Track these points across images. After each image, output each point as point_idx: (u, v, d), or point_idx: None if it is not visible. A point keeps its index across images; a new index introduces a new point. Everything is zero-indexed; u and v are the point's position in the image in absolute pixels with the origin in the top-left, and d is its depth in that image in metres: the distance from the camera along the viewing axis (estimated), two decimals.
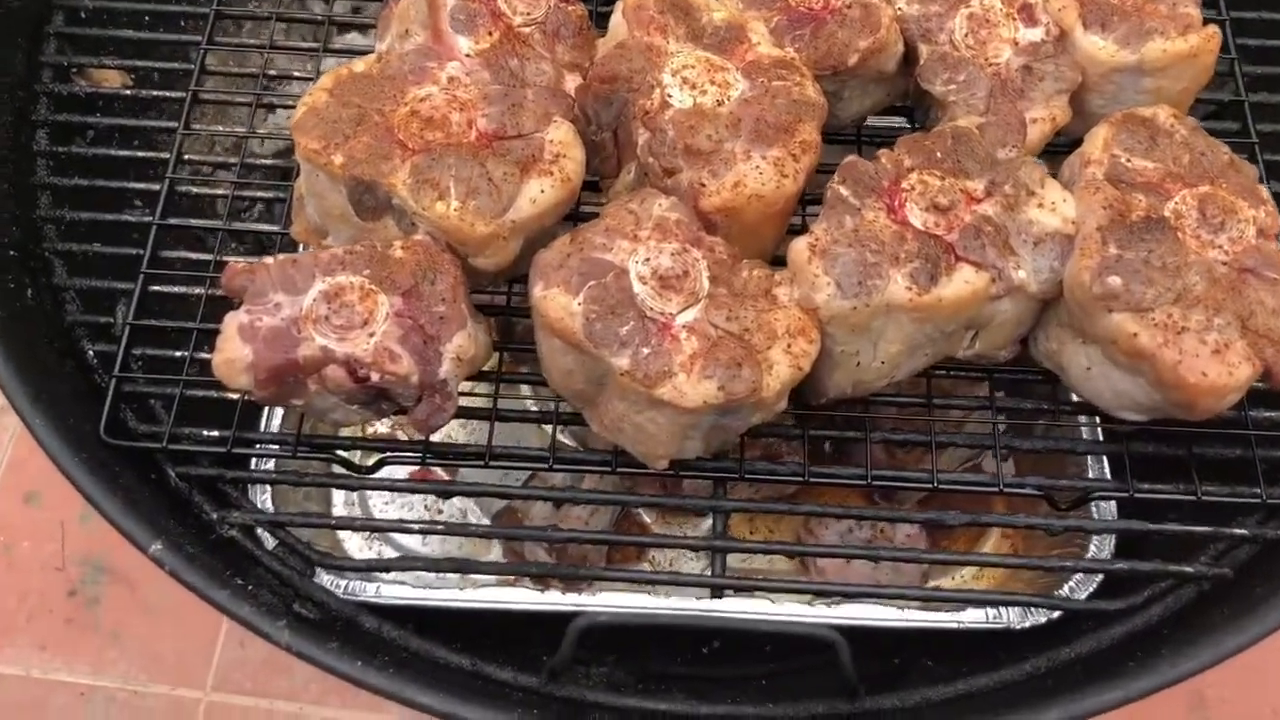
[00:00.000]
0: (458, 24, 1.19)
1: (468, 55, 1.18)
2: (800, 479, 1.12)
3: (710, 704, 0.98)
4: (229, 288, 1.07)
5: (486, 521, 1.34)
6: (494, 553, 1.43)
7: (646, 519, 1.43)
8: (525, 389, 1.39)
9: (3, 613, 2.16)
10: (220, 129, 1.32)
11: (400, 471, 1.26)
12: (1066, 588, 1.24)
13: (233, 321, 1.04)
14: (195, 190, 1.27)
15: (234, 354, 1.03)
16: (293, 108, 1.13)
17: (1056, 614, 1.21)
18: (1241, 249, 1.05)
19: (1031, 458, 1.30)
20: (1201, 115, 1.39)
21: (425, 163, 1.08)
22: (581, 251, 1.05)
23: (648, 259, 1.04)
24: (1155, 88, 1.20)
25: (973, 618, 1.26)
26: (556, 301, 1.03)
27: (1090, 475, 1.25)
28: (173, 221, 1.24)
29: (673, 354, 1.02)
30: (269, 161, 1.54)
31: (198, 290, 1.21)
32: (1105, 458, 1.24)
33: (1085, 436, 1.24)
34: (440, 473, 1.42)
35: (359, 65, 1.16)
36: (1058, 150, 1.28)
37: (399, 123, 1.10)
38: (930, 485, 1.11)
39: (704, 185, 1.09)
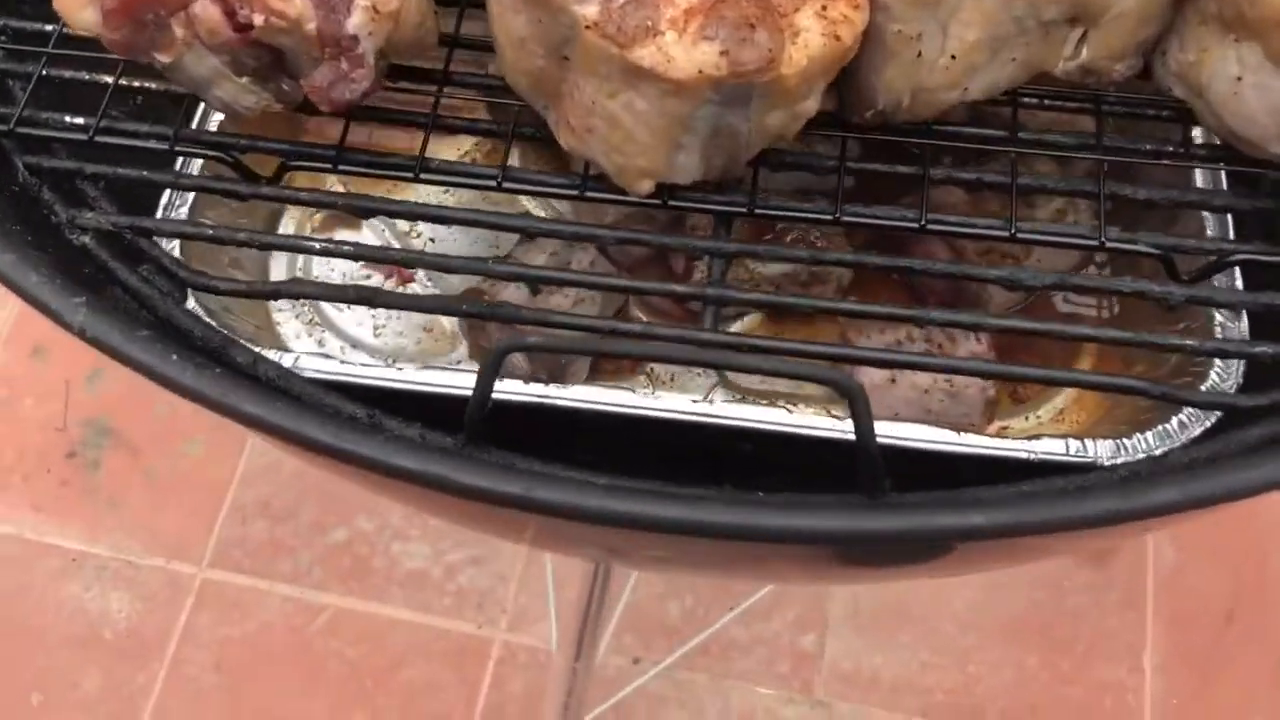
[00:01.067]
0: None
1: None
2: (831, 217, 0.83)
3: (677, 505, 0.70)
4: None
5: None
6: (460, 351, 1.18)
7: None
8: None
9: None
10: None
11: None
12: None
13: None
14: None
15: None
16: None
17: (1160, 450, 0.92)
18: None
19: (1142, 217, 0.99)
20: None
21: None
22: None
23: None
24: None
25: (1048, 448, 0.96)
26: None
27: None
28: None
29: (661, 4, 0.74)
30: None
31: None
32: (1234, 218, 0.92)
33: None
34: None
35: None
36: None
37: None
38: (1008, 233, 0.81)
39: None
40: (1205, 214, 0.94)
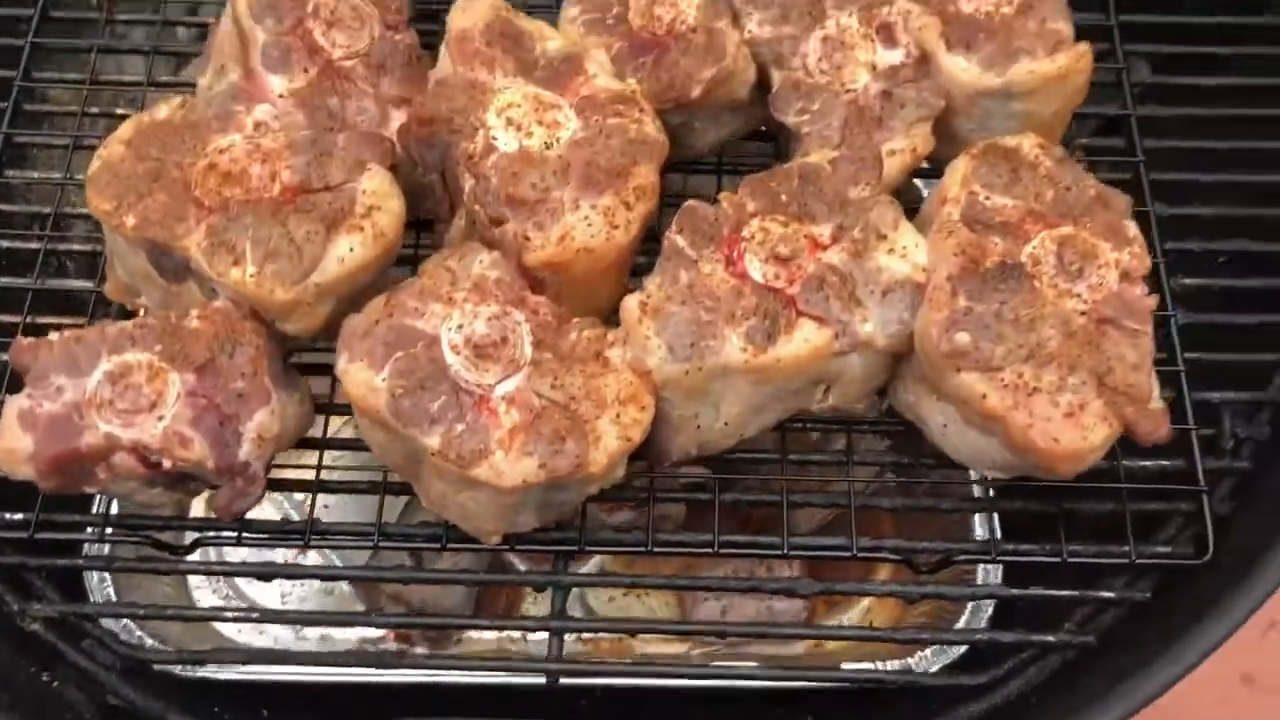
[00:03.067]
0: (270, 61, 1.10)
1: (281, 96, 1.09)
2: (644, 549, 1.05)
3: None
4: (16, 364, 0.99)
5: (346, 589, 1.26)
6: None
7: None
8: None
9: None
10: (35, 174, 1.23)
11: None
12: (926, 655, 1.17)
13: (13, 407, 0.96)
14: (5, 244, 1.18)
15: (14, 444, 0.95)
16: None
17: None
18: (1101, 297, 0.98)
19: (902, 515, 1.23)
20: (1089, 131, 1.31)
21: (221, 224, 0.99)
22: (391, 318, 0.97)
23: (461, 325, 0.96)
24: (1025, 111, 1.12)
25: (850, 672, 1.19)
26: (359, 377, 0.95)
27: (979, 534, 1.18)
28: None
29: (490, 429, 0.94)
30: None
31: (2, 357, 1.12)
32: (996, 515, 1.16)
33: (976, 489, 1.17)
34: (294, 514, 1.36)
35: (162, 110, 1.07)
36: (928, 175, 1.21)
37: (196, 178, 1.01)
38: (780, 552, 1.04)
39: (528, 239, 1.01)
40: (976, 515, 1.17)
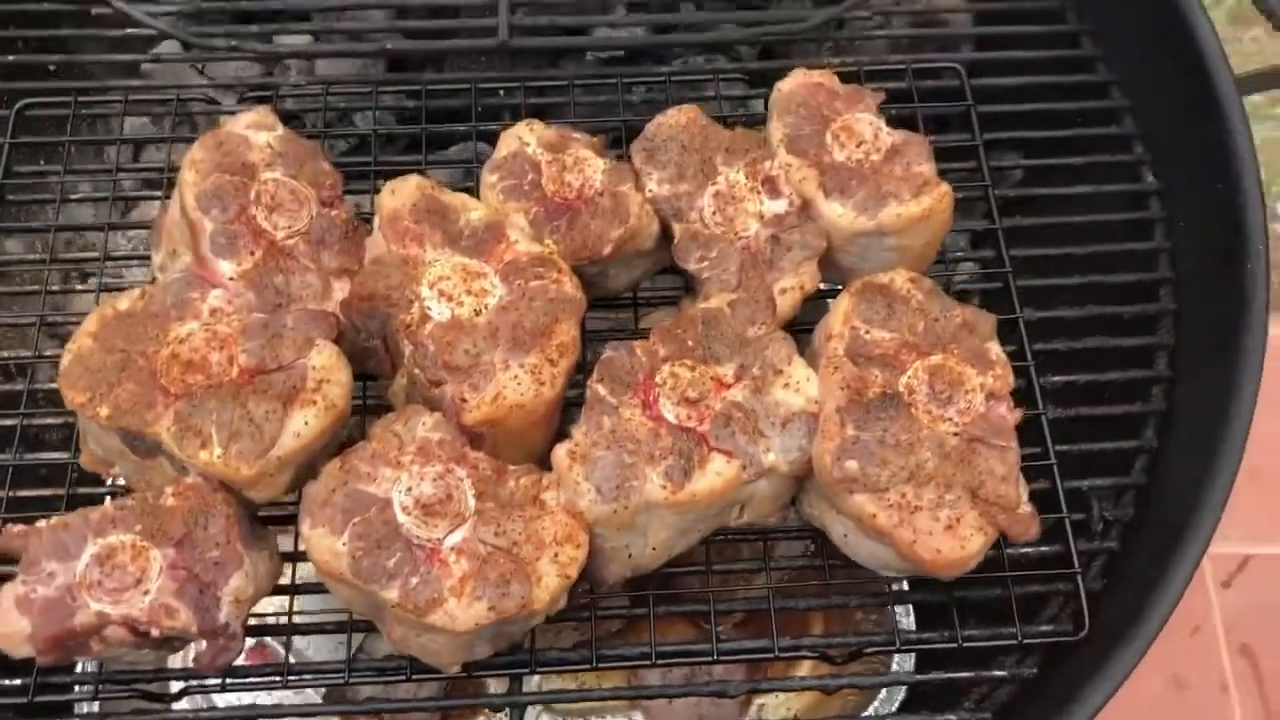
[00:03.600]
0: (219, 248, 1.21)
1: (231, 279, 1.20)
2: (589, 665, 1.17)
3: None
4: (7, 551, 1.09)
5: None
6: None
7: None
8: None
9: None
10: (4, 354, 1.34)
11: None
12: None
13: (9, 594, 1.06)
14: None
15: (12, 628, 1.05)
16: (75, 324, 1.16)
17: None
18: (970, 419, 1.12)
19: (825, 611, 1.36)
20: (964, 243, 1.46)
21: (187, 409, 1.10)
22: (346, 485, 1.09)
23: (410, 488, 1.08)
24: (899, 245, 1.26)
25: None
26: (322, 544, 1.06)
27: (902, 623, 1.32)
28: None
29: (442, 579, 1.06)
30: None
31: None
32: (911, 606, 1.30)
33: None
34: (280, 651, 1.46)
35: (123, 302, 1.18)
36: (826, 295, 1.35)
37: (161, 367, 1.13)
38: (710, 658, 1.17)
39: (465, 400, 1.13)
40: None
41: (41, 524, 1.09)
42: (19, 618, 1.05)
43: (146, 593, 1.06)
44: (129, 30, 1.51)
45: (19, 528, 1.09)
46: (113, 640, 1.07)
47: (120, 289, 1.41)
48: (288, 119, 1.34)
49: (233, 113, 1.53)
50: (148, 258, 1.35)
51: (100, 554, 1.07)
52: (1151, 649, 1.14)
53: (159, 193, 1.42)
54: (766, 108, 1.35)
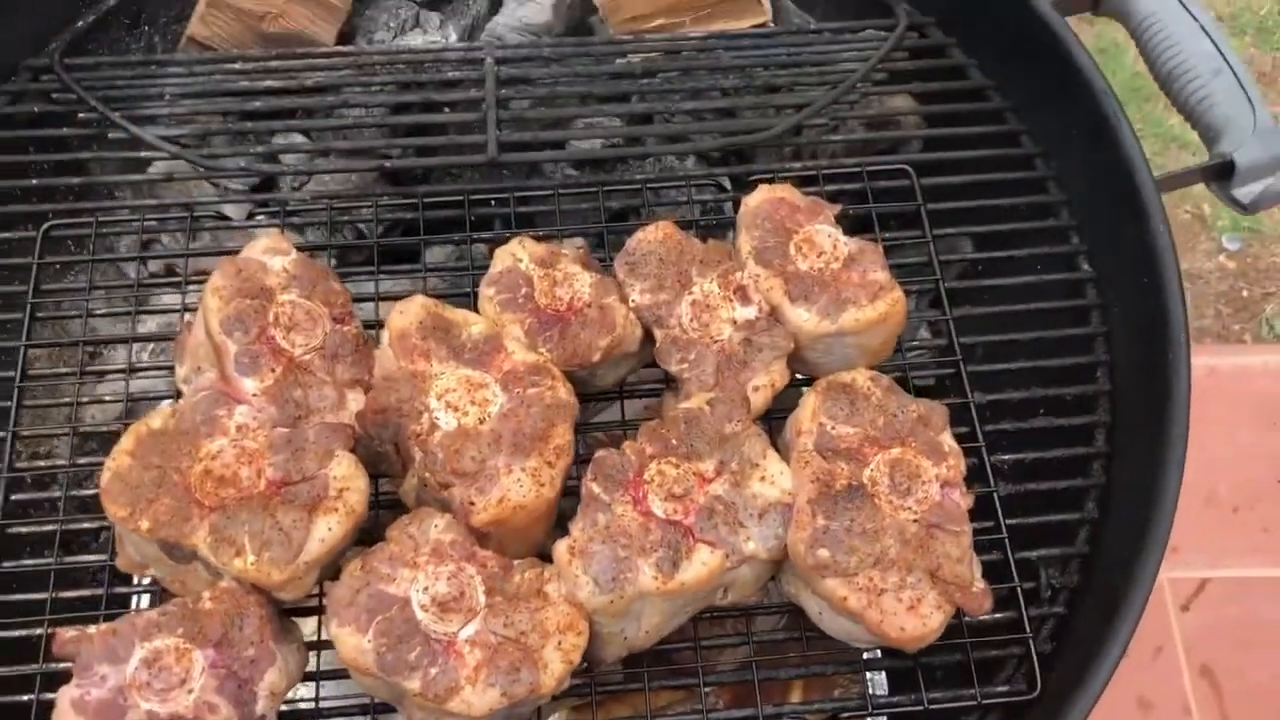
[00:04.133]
0: (243, 367, 1.33)
1: (254, 395, 1.32)
2: None
3: None
4: (60, 654, 1.20)
5: None
6: None
7: None
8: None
9: None
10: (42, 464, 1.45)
11: None
12: None
13: (65, 696, 1.17)
14: (25, 529, 1.39)
15: None
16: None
17: None
18: (927, 508, 1.25)
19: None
20: (919, 330, 1.60)
21: (221, 521, 1.22)
22: (368, 585, 1.21)
23: (426, 588, 1.20)
24: (859, 343, 1.39)
25: None
26: (349, 642, 1.18)
27: (872, 689, 1.45)
28: (7, 566, 1.36)
29: (458, 669, 1.18)
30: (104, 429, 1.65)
31: (37, 631, 1.33)
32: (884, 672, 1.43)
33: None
34: None
35: (156, 421, 1.29)
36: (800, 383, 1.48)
37: (195, 482, 1.24)
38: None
39: (473, 504, 1.25)
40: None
41: (92, 629, 1.20)
42: (76, 718, 1.16)
43: (190, 691, 1.17)
44: (143, 153, 1.63)
45: (71, 633, 1.20)
46: None
47: (145, 397, 1.54)
48: (293, 227, 1.46)
49: (243, 227, 1.67)
50: (169, 368, 1.47)
51: (148, 657, 1.18)
52: (1117, 672, 1.27)
53: (176, 303, 1.54)
54: (735, 209, 1.49)
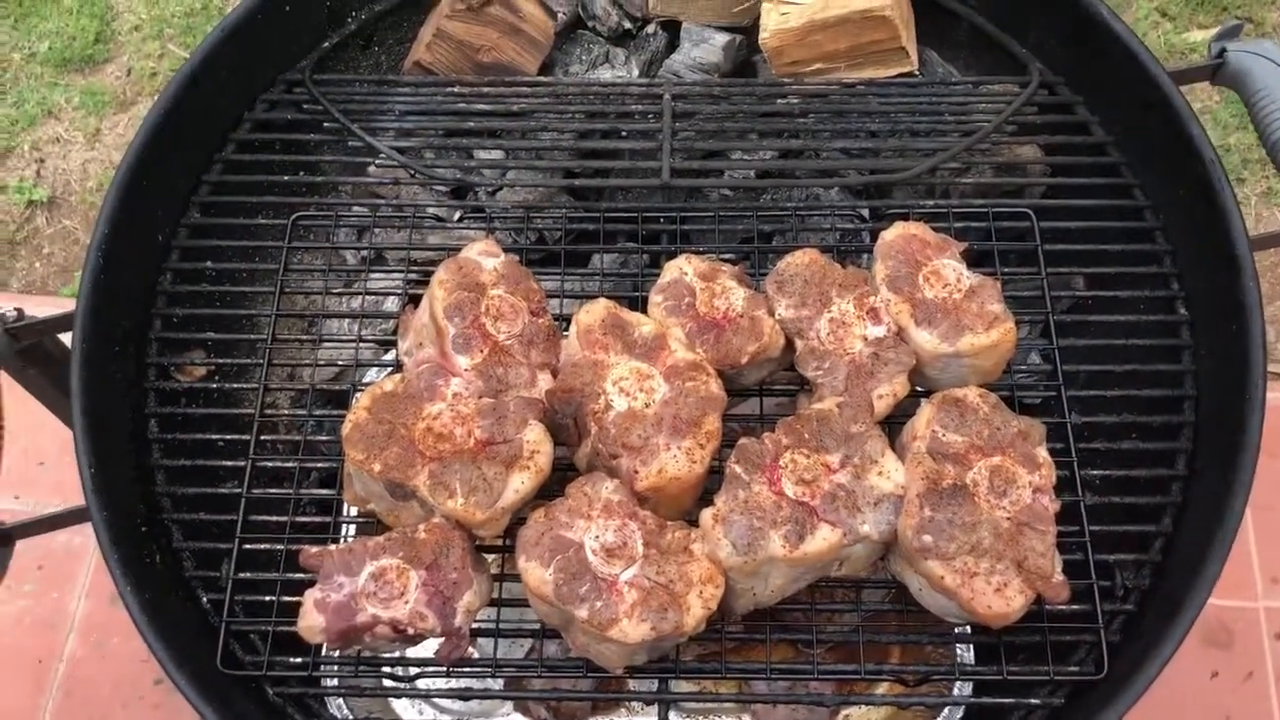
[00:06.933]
0: (458, 345, 1.63)
1: (466, 370, 1.62)
2: (719, 674, 1.56)
3: None
4: (305, 565, 1.51)
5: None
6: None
7: None
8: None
9: (98, 700, 2.58)
10: (285, 412, 1.77)
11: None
12: None
13: (310, 597, 1.48)
14: (271, 464, 1.72)
15: (312, 622, 1.47)
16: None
17: None
18: (1019, 509, 1.48)
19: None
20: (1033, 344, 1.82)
21: (438, 469, 1.52)
22: (551, 530, 1.49)
23: (597, 536, 1.48)
24: (973, 364, 1.62)
25: None
26: (535, 574, 1.46)
27: (961, 658, 1.69)
28: (255, 493, 1.68)
29: (618, 605, 1.45)
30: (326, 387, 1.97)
31: (279, 547, 1.65)
32: (971, 645, 1.67)
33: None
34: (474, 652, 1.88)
35: (388, 385, 1.60)
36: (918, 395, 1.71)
37: (418, 436, 1.54)
38: (810, 675, 1.54)
39: (637, 472, 1.53)
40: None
41: (332, 548, 1.51)
42: (317, 615, 1.47)
43: (407, 602, 1.47)
44: (374, 160, 1.95)
45: (315, 550, 1.51)
46: (380, 635, 1.48)
47: (362, 364, 1.85)
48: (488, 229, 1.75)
49: (453, 227, 1.97)
50: (391, 342, 1.77)
51: (375, 572, 1.48)
52: (1206, 692, 1.48)
53: (396, 286, 1.85)
54: (872, 238, 1.73)
